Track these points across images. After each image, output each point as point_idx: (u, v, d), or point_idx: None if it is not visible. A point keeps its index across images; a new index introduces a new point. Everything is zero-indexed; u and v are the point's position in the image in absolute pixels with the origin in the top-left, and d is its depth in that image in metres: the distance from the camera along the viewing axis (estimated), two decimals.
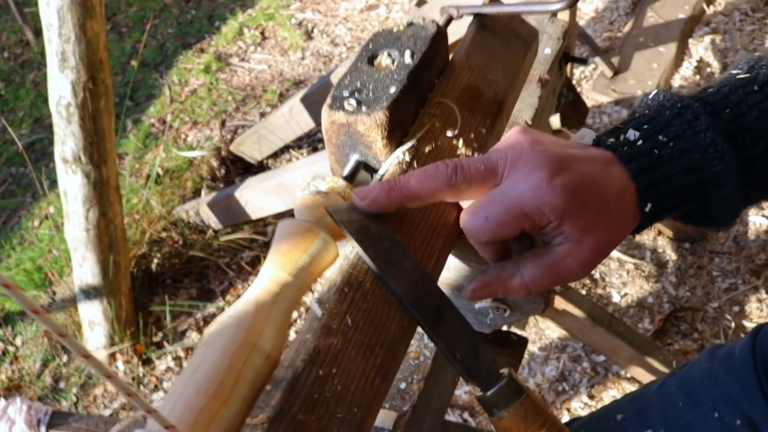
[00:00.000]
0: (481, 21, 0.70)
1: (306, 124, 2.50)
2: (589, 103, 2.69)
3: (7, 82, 3.58)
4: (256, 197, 2.21)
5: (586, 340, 1.85)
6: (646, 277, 2.13)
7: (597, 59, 2.64)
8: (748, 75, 0.58)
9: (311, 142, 2.90)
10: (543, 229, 0.52)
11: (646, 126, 0.55)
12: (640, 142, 0.54)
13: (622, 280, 2.14)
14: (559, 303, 1.79)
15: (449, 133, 0.61)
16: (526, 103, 0.94)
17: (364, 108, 0.56)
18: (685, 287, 2.09)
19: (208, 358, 0.45)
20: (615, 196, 0.52)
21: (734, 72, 0.60)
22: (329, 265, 0.52)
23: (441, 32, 0.63)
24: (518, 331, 1.43)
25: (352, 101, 0.57)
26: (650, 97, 0.59)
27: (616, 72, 2.73)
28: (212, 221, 2.46)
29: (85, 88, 1.76)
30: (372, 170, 0.60)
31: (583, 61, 1.07)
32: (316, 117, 2.47)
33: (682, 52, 2.83)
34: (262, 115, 3.06)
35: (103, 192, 1.95)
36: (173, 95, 3.27)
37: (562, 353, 2.00)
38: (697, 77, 2.74)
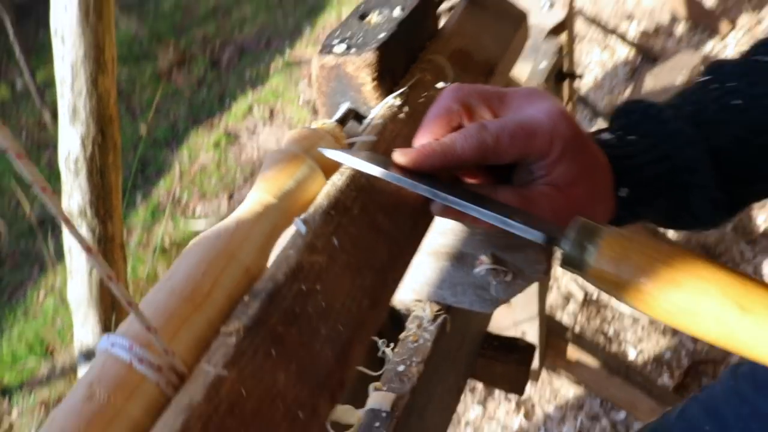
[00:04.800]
0: None
1: None
2: None
3: None
4: None
5: (603, 393, 1.76)
6: (662, 332, 2.05)
7: (599, 120, 2.69)
8: (709, 77, 0.60)
9: None
10: (538, 161, 0.51)
11: (618, 131, 0.58)
12: (613, 141, 0.57)
13: (638, 336, 2.06)
14: (573, 353, 1.72)
15: (440, 85, 0.60)
16: None
17: (353, 50, 0.56)
18: None
19: (184, 264, 0.42)
20: (601, 164, 0.53)
21: (698, 78, 0.62)
22: (316, 193, 0.50)
23: None
24: (528, 384, 1.36)
25: (342, 46, 0.57)
26: (619, 107, 0.62)
27: None
28: None
29: (94, 142, 1.79)
30: (362, 119, 0.59)
31: (578, 77, 1.08)
32: None
33: None
34: None
35: (107, 248, 1.94)
36: (182, 170, 3.32)
37: (579, 411, 1.90)
38: None
